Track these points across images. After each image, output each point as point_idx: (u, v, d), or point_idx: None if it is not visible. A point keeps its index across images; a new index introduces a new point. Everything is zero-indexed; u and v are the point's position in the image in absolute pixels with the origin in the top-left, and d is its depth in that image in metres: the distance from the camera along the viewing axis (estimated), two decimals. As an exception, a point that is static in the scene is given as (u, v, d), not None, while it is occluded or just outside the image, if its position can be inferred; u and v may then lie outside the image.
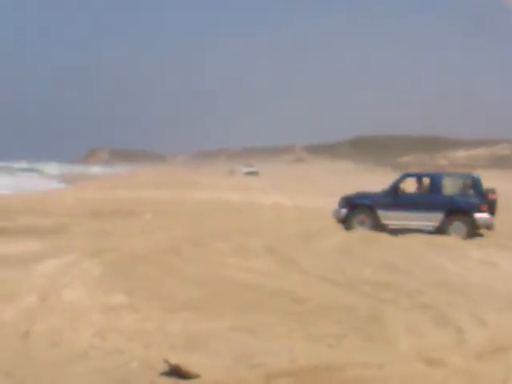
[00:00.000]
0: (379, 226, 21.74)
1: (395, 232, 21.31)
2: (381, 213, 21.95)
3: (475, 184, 21.82)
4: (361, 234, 20.67)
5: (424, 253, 17.54)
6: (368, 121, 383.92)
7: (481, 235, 21.51)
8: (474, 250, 18.26)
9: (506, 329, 9.27)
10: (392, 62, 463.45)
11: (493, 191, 21.96)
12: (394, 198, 22.12)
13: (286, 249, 17.31)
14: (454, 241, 20.02)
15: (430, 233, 21.22)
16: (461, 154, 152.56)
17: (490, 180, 36.74)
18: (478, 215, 21.14)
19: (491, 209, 21.49)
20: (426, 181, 22.59)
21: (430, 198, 21.95)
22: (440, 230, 21.27)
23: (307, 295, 11.75)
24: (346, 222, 22.10)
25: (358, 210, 22.20)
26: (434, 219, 21.45)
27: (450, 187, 22.08)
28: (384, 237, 20.55)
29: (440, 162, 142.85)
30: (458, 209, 21.50)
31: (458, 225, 21.26)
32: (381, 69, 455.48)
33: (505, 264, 16.00)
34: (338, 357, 8.01)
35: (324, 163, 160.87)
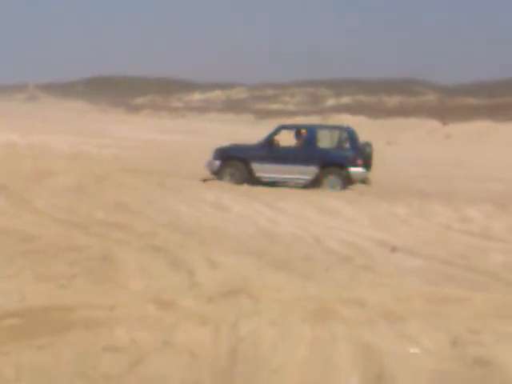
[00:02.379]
0: (253, 179, 21.55)
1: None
2: (255, 165, 21.68)
3: (351, 137, 21.72)
4: (93, 174, 20.53)
5: (157, 194, 17.78)
6: (104, 61, 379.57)
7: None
8: (207, 192, 18.64)
9: (236, 272, 9.52)
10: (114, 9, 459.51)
11: (369, 145, 22.00)
12: (269, 151, 21.85)
13: (18, 187, 16.94)
14: (187, 183, 20.35)
15: (305, 186, 21.26)
16: (196, 97, 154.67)
17: (225, 124, 37.58)
18: (352, 169, 21.23)
19: (367, 163, 21.60)
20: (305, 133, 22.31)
21: (304, 151, 21.75)
22: (314, 184, 21.30)
23: (38, 234, 11.53)
24: (218, 174, 21.73)
25: (231, 161, 21.82)
26: (308, 172, 21.42)
27: (325, 140, 21.99)
28: (117, 176, 20.51)
29: (175, 104, 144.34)
30: (333, 162, 21.45)
31: (332, 178, 21.30)
32: (111, 13, 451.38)
33: (237, 207, 16.52)
34: (69, 297, 7.91)
35: (58, 102, 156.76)
